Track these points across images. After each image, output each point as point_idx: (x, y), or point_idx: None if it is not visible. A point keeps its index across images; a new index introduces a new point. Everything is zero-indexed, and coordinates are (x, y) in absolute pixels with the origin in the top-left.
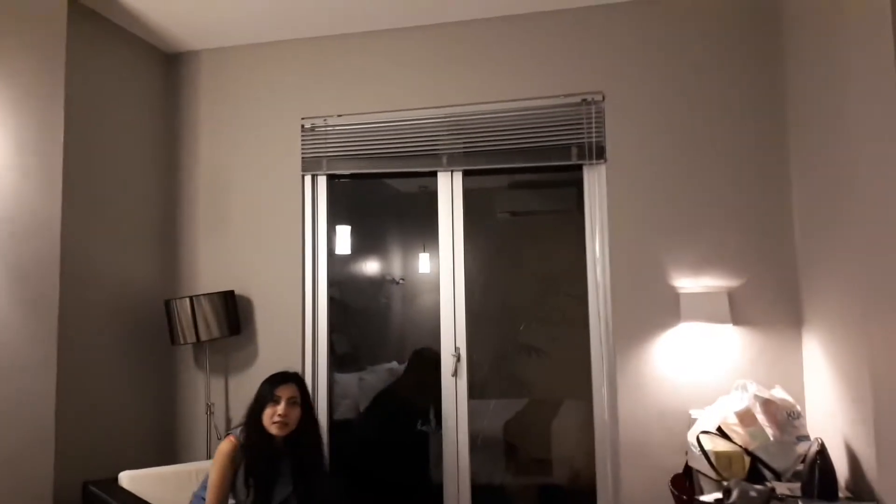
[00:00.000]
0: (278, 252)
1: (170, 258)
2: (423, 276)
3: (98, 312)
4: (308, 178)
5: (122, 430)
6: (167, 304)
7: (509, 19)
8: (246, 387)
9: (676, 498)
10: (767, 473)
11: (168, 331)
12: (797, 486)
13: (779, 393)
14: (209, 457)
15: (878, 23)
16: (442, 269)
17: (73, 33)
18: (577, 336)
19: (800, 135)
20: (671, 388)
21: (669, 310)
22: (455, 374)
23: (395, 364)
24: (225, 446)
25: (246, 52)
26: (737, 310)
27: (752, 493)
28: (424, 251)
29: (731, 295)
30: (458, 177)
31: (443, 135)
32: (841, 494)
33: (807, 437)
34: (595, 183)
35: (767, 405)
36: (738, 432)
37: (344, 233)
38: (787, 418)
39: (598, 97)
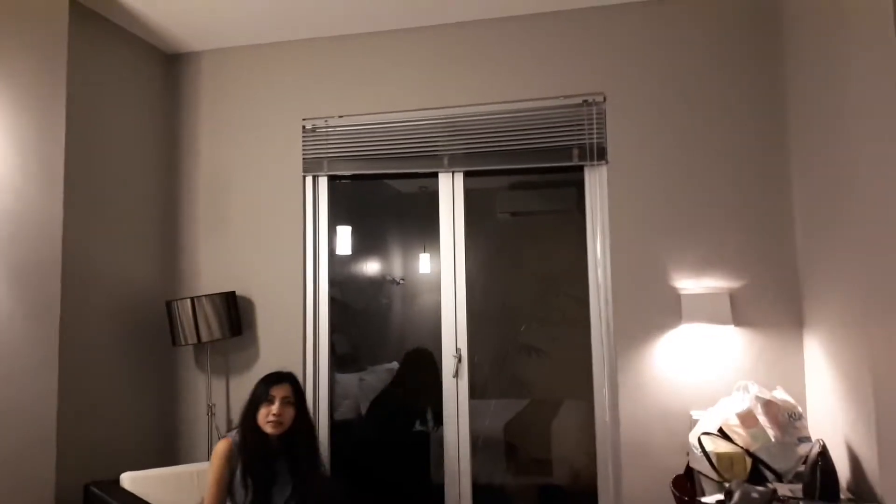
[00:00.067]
0: (279, 253)
1: (171, 259)
2: (423, 276)
3: (99, 313)
4: (309, 179)
5: (124, 432)
6: (168, 304)
7: (510, 20)
8: (247, 388)
9: (678, 499)
10: (769, 475)
11: (169, 332)
12: (798, 487)
13: (780, 394)
14: (210, 458)
15: (879, 22)
16: (443, 270)
17: (74, 34)
18: (577, 336)
19: (800, 135)
20: (672, 389)
21: (670, 310)
22: (456, 374)
23: (395, 364)
24: (221, 447)
25: (246, 52)
26: (738, 311)
27: (754, 495)
28: (425, 251)
29: (733, 296)
30: (459, 178)
31: (444, 136)
32: (842, 496)
33: (808, 439)
34: (596, 184)
35: (769, 406)
36: (739, 433)
37: (344, 233)
38: (788, 419)
39: (599, 98)
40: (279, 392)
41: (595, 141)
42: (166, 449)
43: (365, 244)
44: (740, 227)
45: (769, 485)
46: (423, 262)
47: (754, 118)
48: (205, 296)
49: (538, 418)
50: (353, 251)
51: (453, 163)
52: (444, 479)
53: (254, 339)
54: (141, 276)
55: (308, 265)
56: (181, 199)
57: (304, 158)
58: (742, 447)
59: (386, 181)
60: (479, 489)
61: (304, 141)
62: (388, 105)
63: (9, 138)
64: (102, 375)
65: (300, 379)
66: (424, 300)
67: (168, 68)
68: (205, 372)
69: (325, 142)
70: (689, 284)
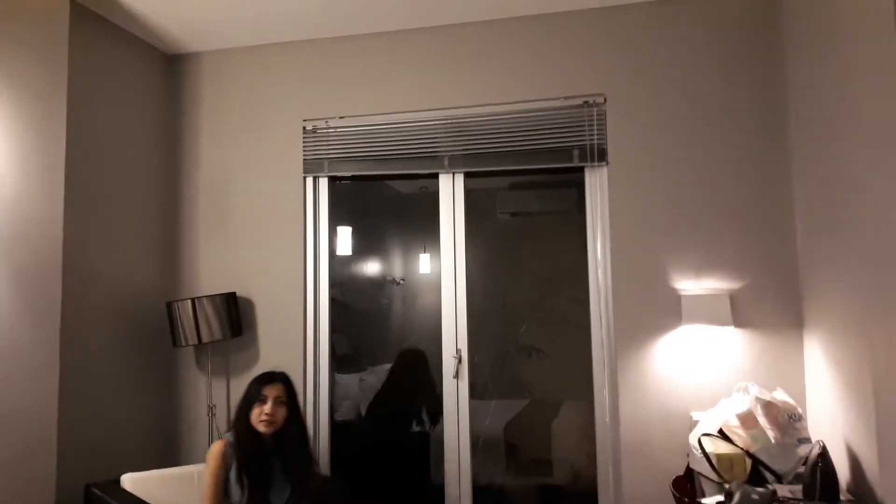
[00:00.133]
0: (280, 254)
1: (171, 260)
2: (423, 276)
3: (100, 314)
4: (309, 180)
5: (124, 432)
6: (169, 305)
7: (510, 21)
8: None
9: (678, 500)
10: (769, 476)
11: (170, 332)
12: (798, 488)
13: (780, 395)
14: (206, 459)
15: (879, 22)
16: (443, 271)
17: (74, 35)
18: (577, 337)
19: (801, 136)
20: (672, 390)
21: (671, 311)
22: (456, 375)
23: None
24: (215, 448)
25: (247, 53)
26: (738, 312)
27: (754, 496)
28: (425, 252)
29: (733, 297)
30: (460, 178)
31: (444, 137)
32: (842, 497)
33: (808, 440)
34: (596, 185)
35: (769, 407)
36: (739, 434)
37: (345, 234)
38: (788, 420)
39: (600, 99)
40: (272, 392)
41: (595, 142)
42: (167, 450)
43: (365, 244)
44: (740, 228)
45: (769, 486)
46: (424, 263)
47: (754, 119)
48: (205, 296)
49: (538, 419)
50: (353, 252)
51: (454, 164)
52: (443, 479)
53: (254, 340)
54: (141, 276)
55: (308, 266)
56: (182, 199)
57: (304, 159)
58: (742, 448)
59: (386, 182)
60: (479, 489)
61: (304, 142)
62: (389, 106)
63: (9, 139)
64: (103, 376)
65: (300, 379)
66: (425, 300)
67: (168, 69)
68: (205, 373)
69: (325, 142)
70: (690, 285)
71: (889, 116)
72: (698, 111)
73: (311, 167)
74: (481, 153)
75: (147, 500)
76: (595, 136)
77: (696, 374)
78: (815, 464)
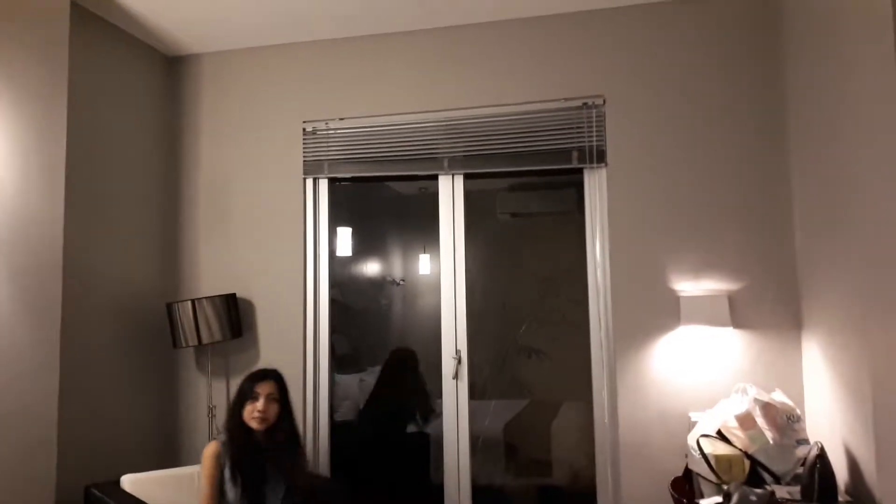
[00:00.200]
0: (280, 255)
1: (171, 261)
2: (423, 277)
3: (100, 315)
4: (309, 181)
5: (124, 434)
6: (169, 307)
7: (510, 23)
8: None
9: (676, 501)
10: (767, 477)
11: (170, 333)
12: (797, 489)
13: (778, 396)
14: (201, 461)
15: (878, 22)
16: (443, 272)
17: (74, 36)
18: (577, 338)
19: (800, 137)
20: (671, 391)
21: (669, 312)
22: (456, 376)
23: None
24: (210, 448)
25: (247, 55)
26: (737, 313)
27: (752, 497)
28: (425, 252)
29: (731, 298)
30: (459, 180)
31: (443, 138)
32: (841, 498)
33: (806, 441)
34: (595, 186)
35: (767, 408)
36: (737, 436)
37: (345, 234)
38: (786, 422)
39: (599, 101)
40: (264, 389)
41: (594, 143)
42: (167, 451)
43: (365, 245)
44: (739, 229)
45: (767, 487)
46: (424, 263)
47: (753, 120)
48: (205, 298)
49: (538, 419)
50: (353, 252)
51: (453, 165)
52: (443, 479)
53: (254, 341)
54: (142, 277)
55: (308, 267)
56: (182, 201)
57: (304, 161)
58: (740, 449)
59: (386, 182)
60: (478, 489)
61: (304, 143)
62: (389, 107)
63: (10, 140)
64: (103, 377)
65: (300, 380)
66: (424, 301)
67: (169, 70)
68: (205, 374)
69: (325, 144)
70: (688, 286)
71: (888, 116)
72: (697, 112)
73: (311, 168)
74: (480, 154)
75: (147, 502)
76: (594, 138)
77: (695, 375)
78: (814, 465)
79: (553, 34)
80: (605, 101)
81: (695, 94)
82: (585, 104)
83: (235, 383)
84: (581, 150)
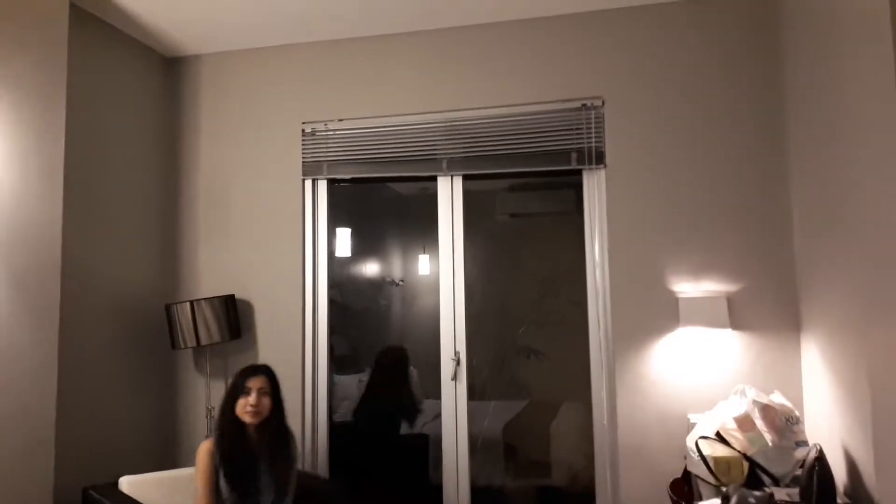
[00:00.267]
0: (279, 256)
1: (170, 262)
2: (423, 277)
3: (98, 316)
4: (308, 182)
5: (123, 435)
6: (168, 308)
7: (509, 24)
8: None
9: (675, 503)
10: (766, 479)
11: (168, 335)
12: (795, 491)
13: (777, 398)
14: (196, 460)
15: (876, 22)
16: (441, 274)
17: (73, 37)
18: (576, 339)
19: (799, 138)
20: (670, 393)
21: (668, 314)
22: (454, 377)
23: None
24: (203, 448)
25: (246, 56)
26: (736, 314)
27: (751, 500)
28: (424, 253)
29: (730, 299)
30: (458, 181)
31: (443, 139)
32: (839, 500)
33: (805, 443)
34: (594, 187)
35: (766, 410)
36: (736, 437)
37: (344, 235)
38: (785, 423)
39: (598, 102)
40: (255, 384)
41: (593, 145)
42: (165, 452)
43: (365, 246)
44: (738, 230)
45: (766, 489)
46: (423, 264)
47: (752, 121)
48: (204, 299)
49: (537, 420)
50: (352, 253)
51: (452, 166)
52: (441, 480)
53: (253, 342)
54: (140, 279)
55: (307, 268)
56: (180, 202)
57: (303, 162)
58: (739, 451)
59: (386, 183)
60: (477, 490)
61: (303, 144)
62: (388, 108)
63: (9, 141)
64: (102, 378)
65: (299, 381)
66: (424, 301)
67: (168, 71)
68: (204, 375)
69: (324, 145)
70: (687, 288)
71: (887, 116)
72: (696, 113)
73: (310, 170)
74: (480, 156)
75: (145, 503)
76: (593, 139)
77: (694, 377)
78: (812, 467)
79: (552, 35)
80: (603, 103)
81: (693, 95)
82: (584, 105)
83: None
84: (580, 151)
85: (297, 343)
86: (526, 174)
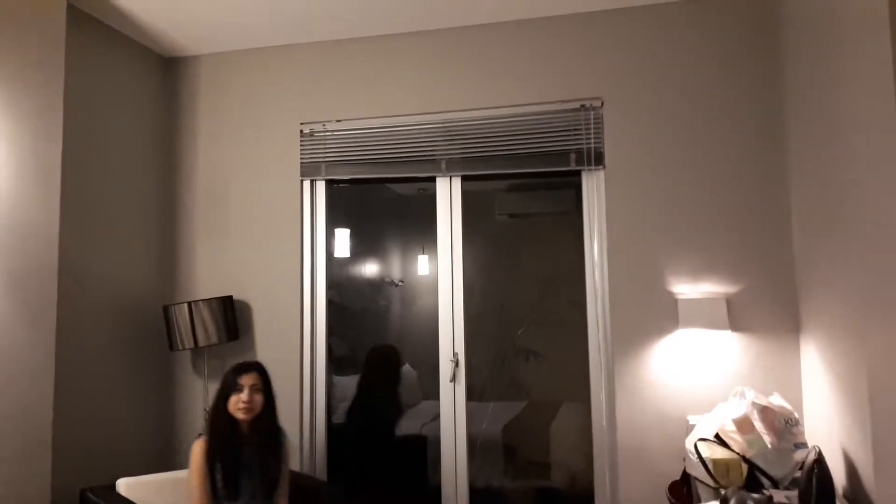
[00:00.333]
0: (277, 257)
1: (168, 263)
2: (422, 277)
3: (96, 318)
4: (307, 183)
5: (120, 437)
6: (165, 309)
7: (508, 25)
8: None
9: None
10: (765, 481)
11: (166, 336)
12: (794, 493)
13: (777, 400)
14: (190, 460)
15: (875, 23)
16: (440, 275)
17: (71, 38)
18: (575, 340)
19: (798, 138)
20: (669, 394)
21: (668, 315)
22: (453, 379)
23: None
24: (197, 447)
25: (245, 56)
26: (735, 316)
27: (750, 502)
28: (423, 253)
29: (730, 301)
30: (457, 182)
31: (441, 140)
32: (838, 502)
33: (805, 445)
34: (593, 188)
35: (765, 412)
36: (735, 439)
37: (343, 236)
38: (784, 425)
39: (597, 103)
40: (247, 381)
41: (592, 145)
42: (163, 454)
43: (363, 246)
44: (737, 231)
45: (765, 491)
46: (422, 264)
47: (752, 121)
48: (202, 300)
49: (536, 421)
50: (351, 253)
51: (451, 167)
52: (440, 481)
53: (251, 344)
54: (138, 280)
55: (305, 269)
56: (179, 203)
57: (301, 162)
58: (738, 453)
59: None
60: (476, 492)
61: (301, 145)
62: (386, 109)
63: (5, 142)
64: (99, 379)
65: (297, 382)
66: (423, 302)
67: (166, 72)
68: (202, 376)
69: (322, 146)
70: (686, 289)
71: (887, 116)
72: (695, 114)
73: (309, 170)
74: (478, 157)
75: None
76: (592, 140)
77: (693, 379)
78: (812, 469)
79: (550, 36)
80: (602, 103)
81: (693, 95)
82: (583, 106)
83: None
84: (579, 152)
85: (296, 344)
86: (525, 175)
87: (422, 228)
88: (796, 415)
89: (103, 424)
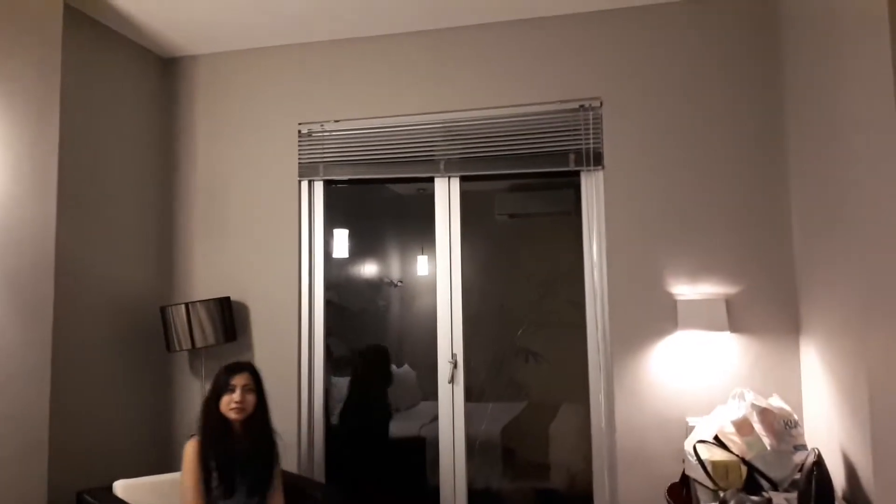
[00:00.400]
0: (275, 258)
1: (165, 264)
2: (421, 278)
3: (93, 319)
4: (305, 184)
5: (117, 438)
6: (163, 310)
7: (506, 25)
8: None
9: None
10: (764, 483)
11: (164, 337)
12: (794, 496)
13: (776, 401)
14: (183, 460)
15: (875, 23)
16: (439, 276)
17: (68, 38)
18: (574, 340)
19: (798, 138)
20: (668, 396)
21: (667, 316)
22: (451, 380)
23: (392, 367)
24: (190, 447)
25: (243, 56)
26: (734, 317)
27: None
28: (423, 253)
29: (729, 302)
30: (456, 182)
31: (440, 141)
32: None
33: (804, 447)
34: (592, 189)
35: (764, 414)
36: (735, 441)
37: (341, 236)
38: (784, 427)
39: (596, 103)
40: (239, 381)
41: (591, 146)
42: (160, 456)
43: (363, 246)
44: (737, 232)
45: (765, 494)
46: (421, 264)
47: (751, 122)
48: (199, 301)
49: (535, 422)
50: (350, 254)
51: (450, 167)
52: (438, 483)
53: (249, 345)
54: (135, 281)
55: (303, 269)
56: (176, 203)
57: (299, 163)
58: (738, 455)
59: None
60: (475, 493)
61: (300, 145)
62: (385, 109)
63: (1, 144)
64: (96, 381)
65: (295, 383)
66: (423, 302)
67: (163, 72)
68: (199, 378)
69: (320, 146)
70: (686, 290)
71: (886, 116)
72: (694, 114)
73: (307, 171)
74: (477, 157)
75: None
76: (591, 140)
77: (692, 380)
78: (811, 471)
79: (549, 36)
80: (601, 104)
81: (692, 95)
82: (582, 106)
83: None
84: (578, 152)
85: (293, 345)
86: (524, 175)
87: (421, 228)
88: (796, 416)
89: (100, 426)
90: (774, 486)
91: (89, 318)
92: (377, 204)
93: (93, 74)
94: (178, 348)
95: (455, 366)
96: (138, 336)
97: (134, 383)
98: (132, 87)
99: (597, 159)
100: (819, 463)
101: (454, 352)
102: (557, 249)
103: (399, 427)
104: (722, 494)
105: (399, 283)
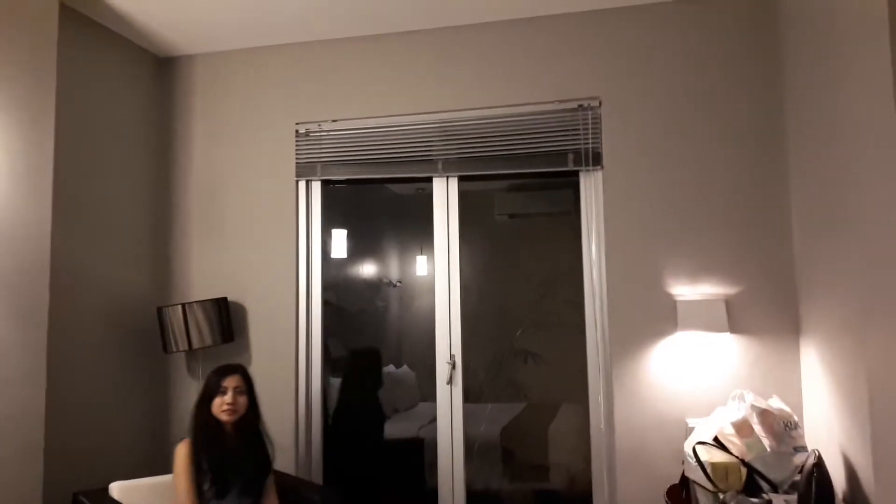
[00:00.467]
0: (272, 258)
1: (162, 265)
2: (420, 278)
3: (89, 320)
4: (302, 184)
5: (113, 440)
6: (159, 311)
7: (505, 24)
8: None
9: None
10: (764, 485)
11: (160, 338)
12: (794, 497)
13: (776, 403)
14: (174, 462)
15: (875, 23)
16: (437, 277)
17: (63, 38)
18: (573, 341)
19: (798, 138)
20: (668, 397)
21: (666, 317)
22: (450, 381)
23: (391, 367)
24: (181, 449)
25: (240, 56)
26: (734, 318)
27: None
28: (422, 253)
29: (729, 303)
30: (454, 182)
31: (438, 140)
32: None
33: (804, 448)
34: (591, 189)
35: (764, 415)
36: (734, 443)
37: (340, 236)
38: (784, 429)
39: (595, 103)
40: (231, 383)
41: (590, 146)
42: (157, 457)
43: (361, 247)
44: (737, 232)
45: (764, 495)
46: (420, 264)
47: (751, 122)
48: (196, 302)
49: (534, 423)
50: (348, 254)
51: (448, 167)
52: (437, 484)
53: (246, 346)
54: (132, 281)
55: (301, 270)
56: (173, 204)
57: (297, 163)
58: (737, 457)
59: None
60: (473, 494)
61: (297, 145)
62: (382, 109)
63: None
64: (92, 382)
65: (293, 384)
66: (422, 302)
67: (160, 71)
68: (196, 379)
69: (318, 146)
70: (685, 291)
71: (886, 116)
72: (695, 114)
73: (304, 171)
74: (475, 157)
75: None
76: (590, 140)
77: (692, 381)
78: (811, 473)
79: (548, 35)
80: (600, 103)
81: (692, 95)
82: (581, 106)
83: None
84: (577, 152)
85: (291, 346)
86: (523, 175)
87: (420, 228)
88: (796, 418)
89: (96, 427)
90: (774, 488)
91: (85, 319)
92: (375, 204)
93: (89, 74)
94: (174, 349)
95: (454, 366)
96: (135, 337)
97: (130, 384)
98: (129, 86)
99: (596, 159)
100: (819, 464)
101: (453, 352)
102: (556, 250)
103: (398, 428)
104: (722, 496)
105: (398, 284)
